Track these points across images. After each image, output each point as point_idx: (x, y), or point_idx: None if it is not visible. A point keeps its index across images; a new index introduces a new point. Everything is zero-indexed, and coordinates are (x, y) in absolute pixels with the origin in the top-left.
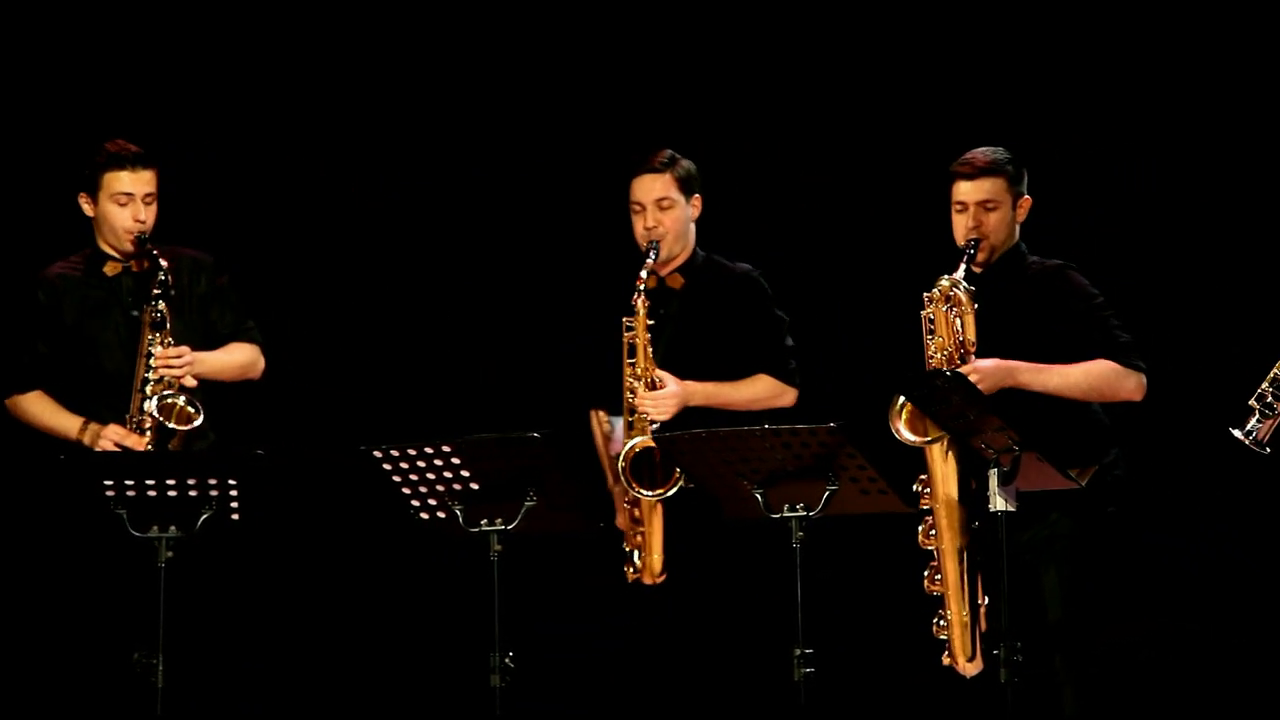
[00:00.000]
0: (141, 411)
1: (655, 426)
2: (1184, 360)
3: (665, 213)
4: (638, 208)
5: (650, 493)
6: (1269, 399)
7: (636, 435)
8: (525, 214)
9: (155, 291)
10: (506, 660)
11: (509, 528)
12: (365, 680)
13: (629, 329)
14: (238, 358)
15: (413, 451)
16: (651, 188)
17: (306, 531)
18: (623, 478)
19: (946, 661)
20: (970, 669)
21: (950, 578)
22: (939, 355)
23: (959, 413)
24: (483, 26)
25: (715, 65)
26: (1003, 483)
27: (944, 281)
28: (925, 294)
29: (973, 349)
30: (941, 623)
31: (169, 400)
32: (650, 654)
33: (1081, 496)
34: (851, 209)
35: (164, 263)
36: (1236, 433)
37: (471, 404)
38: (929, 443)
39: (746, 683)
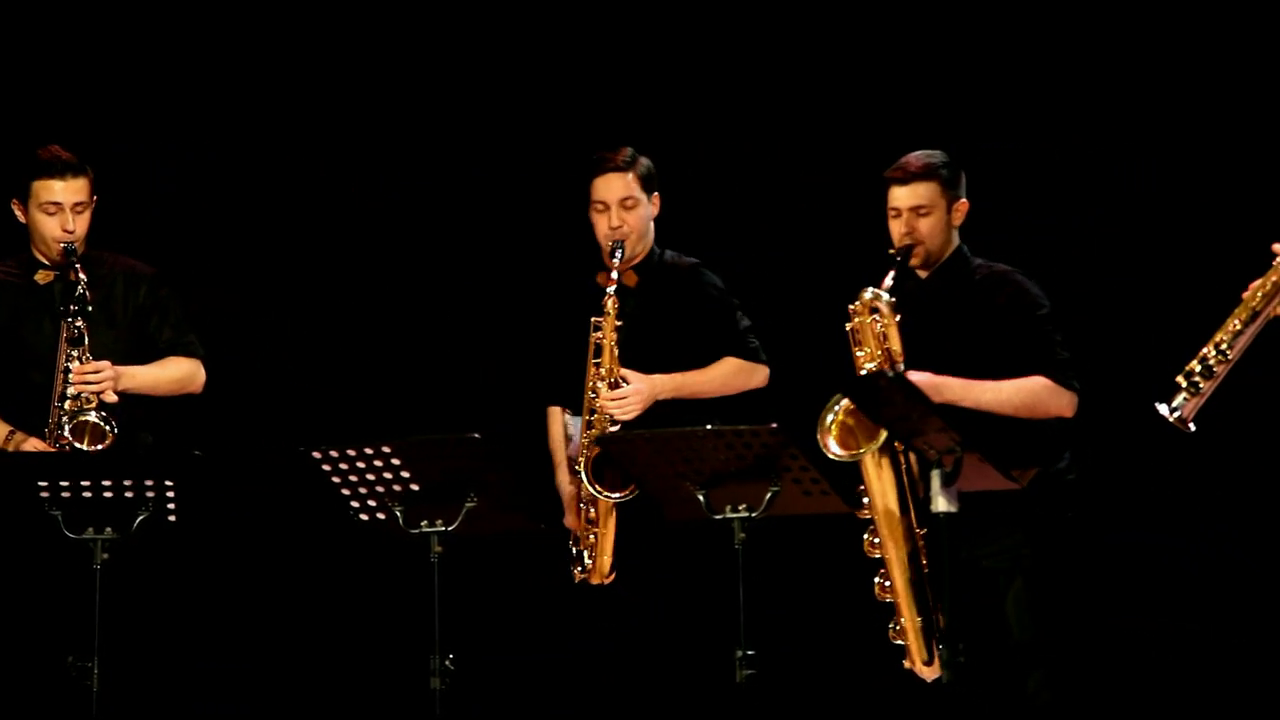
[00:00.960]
0: (60, 426)
1: (617, 428)
2: (1139, 359)
3: (630, 212)
4: (601, 207)
5: (610, 495)
6: (1196, 378)
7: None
8: (479, 211)
9: (73, 307)
10: (447, 663)
11: (449, 529)
12: (305, 682)
13: (597, 329)
14: (171, 372)
15: (352, 452)
16: (616, 187)
17: (245, 533)
18: (584, 478)
19: (907, 665)
20: (929, 673)
21: (898, 585)
22: (869, 366)
23: (902, 414)
24: (432, 25)
25: (675, 65)
26: (945, 484)
27: (866, 295)
28: (849, 307)
29: (900, 359)
30: (896, 628)
31: (81, 419)
32: (592, 656)
33: (1037, 503)
34: (791, 212)
35: (83, 276)
36: (1162, 409)
37: (420, 404)
38: (859, 455)
39: (689, 684)
